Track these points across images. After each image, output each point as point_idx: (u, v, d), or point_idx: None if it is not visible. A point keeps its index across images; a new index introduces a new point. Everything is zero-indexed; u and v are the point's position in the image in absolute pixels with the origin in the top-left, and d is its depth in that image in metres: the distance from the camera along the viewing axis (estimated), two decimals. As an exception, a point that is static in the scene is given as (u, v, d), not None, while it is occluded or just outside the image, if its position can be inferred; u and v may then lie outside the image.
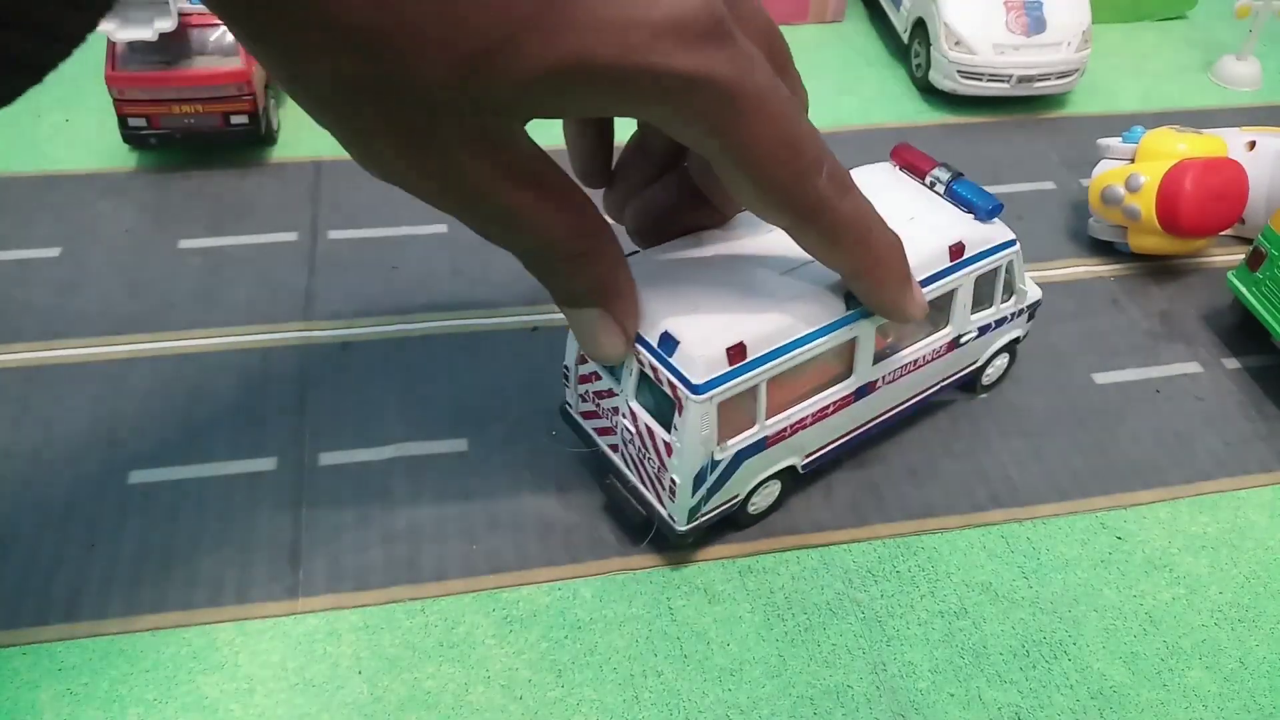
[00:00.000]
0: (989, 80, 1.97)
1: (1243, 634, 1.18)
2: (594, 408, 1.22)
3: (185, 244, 1.61)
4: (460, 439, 1.34)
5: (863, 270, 1.07)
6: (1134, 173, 1.58)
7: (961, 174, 1.31)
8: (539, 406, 1.39)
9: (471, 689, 1.09)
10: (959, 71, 1.96)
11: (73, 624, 1.13)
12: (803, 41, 2.20)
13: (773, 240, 1.14)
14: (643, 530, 1.19)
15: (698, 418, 1.07)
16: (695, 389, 1.05)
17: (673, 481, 1.12)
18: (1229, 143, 1.65)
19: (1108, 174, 1.63)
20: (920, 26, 2.05)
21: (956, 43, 1.95)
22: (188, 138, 1.73)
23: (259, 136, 1.77)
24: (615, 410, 1.18)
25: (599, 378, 1.19)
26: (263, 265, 1.58)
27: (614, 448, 1.21)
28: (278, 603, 1.16)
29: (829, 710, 1.09)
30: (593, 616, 1.16)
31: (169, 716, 1.06)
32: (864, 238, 1.03)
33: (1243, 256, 1.53)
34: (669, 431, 1.10)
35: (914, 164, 1.37)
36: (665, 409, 1.10)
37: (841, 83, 2.08)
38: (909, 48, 2.10)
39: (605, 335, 1.05)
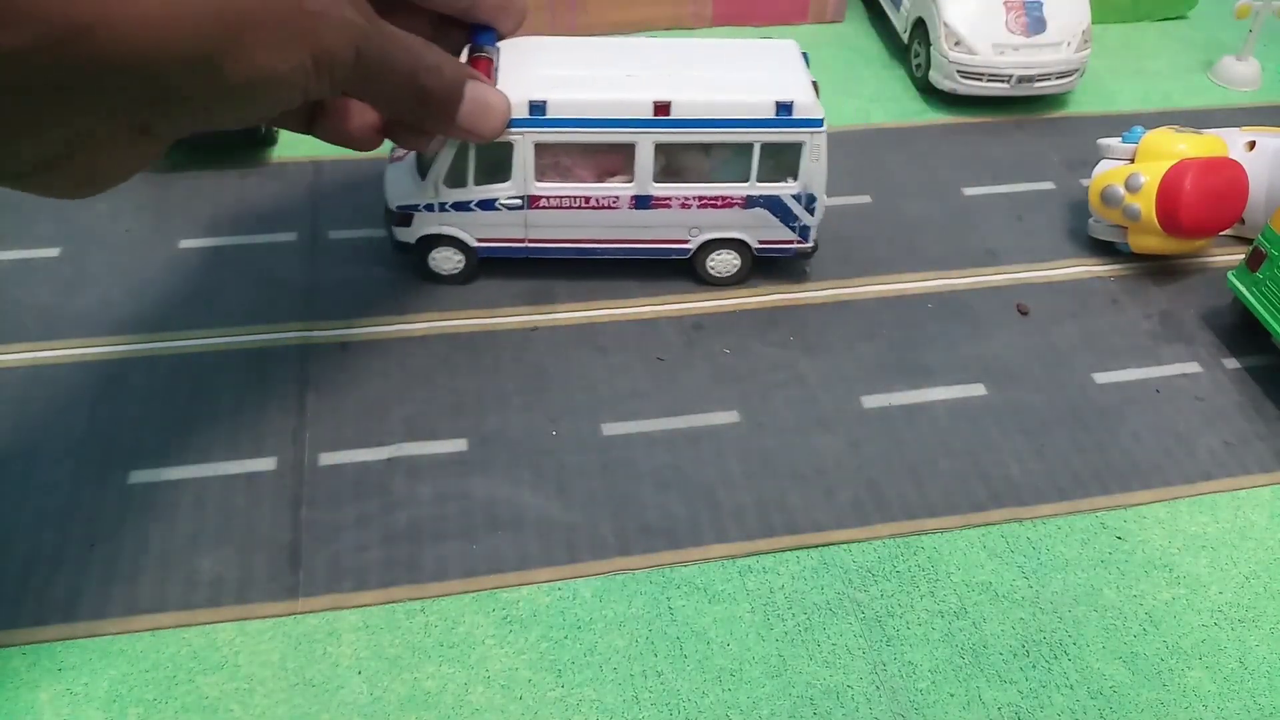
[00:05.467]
0: (989, 80, 1.97)
1: (1243, 634, 1.18)
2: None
3: (185, 244, 1.61)
4: (460, 439, 1.34)
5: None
6: (1134, 173, 1.58)
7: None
8: (539, 406, 1.39)
9: (471, 689, 1.09)
10: (959, 71, 1.96)
11: (73, 624, 1.13)
12: (803, 41, 2.19)
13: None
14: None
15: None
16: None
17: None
18: (1229, 143, 1.65)
19: (1108, 174, 1.63)
20: (920, 26, 2.05)
21: (956, 43, 1.95)
22: (188, 138, 1.72)
23: (259, 137, 1.77)
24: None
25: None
26: (263, 265, 1.58)
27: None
28: (278, 603, 1.16)
29: (829, 710, 1.09)
30: (593, 616, 1.16)
31: (169, 716, 1.06)
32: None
33: (1243, 256, 1.52)
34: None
35: None
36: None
37: (841, 83, 2.08)
38: (909, 48, 2.10)
39: (491, 95, 1.23)
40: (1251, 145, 1.68)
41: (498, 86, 1.31)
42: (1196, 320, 1.59)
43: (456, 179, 1.44)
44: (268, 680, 1.09)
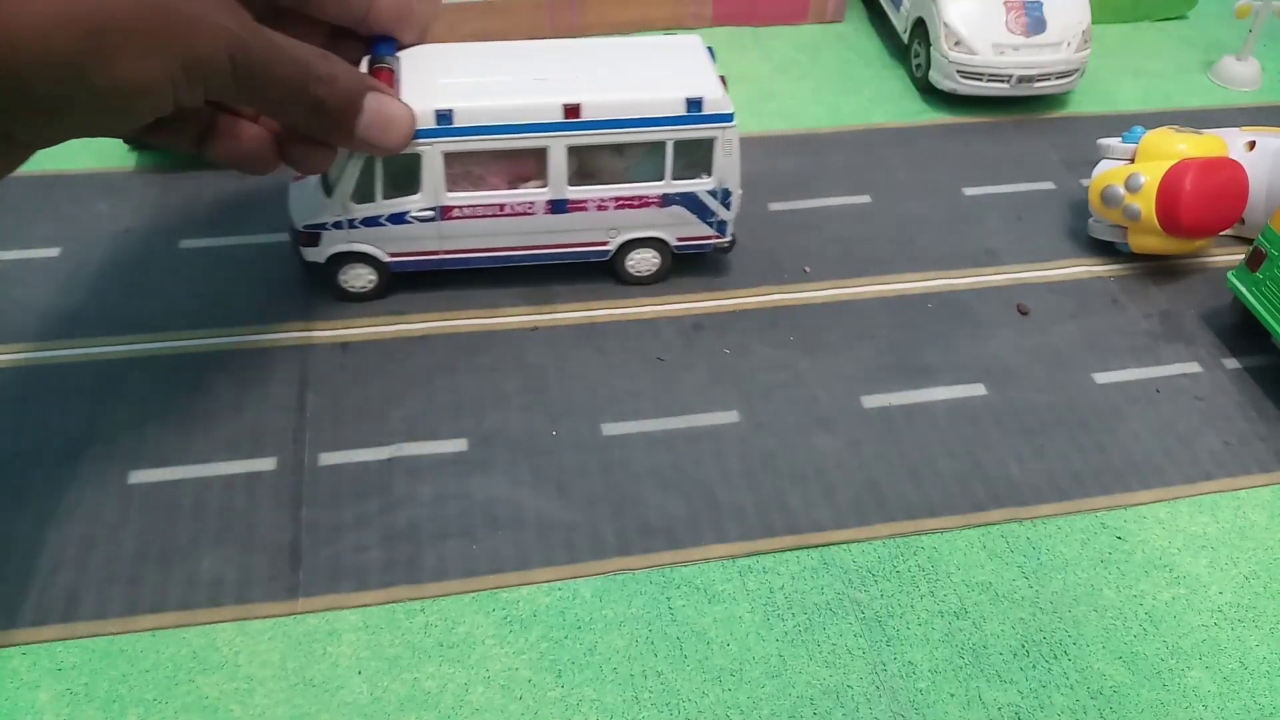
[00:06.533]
0: (989, 80, 1.97)
1: (1243, 634, 1.18)
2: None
3: (185, 244, 1.61)
4: (460, 439, 1.34)
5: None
6: (1134, 173, 1.58)
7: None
8: (539, 406, 1.39)
9: (471, 689, 1.09)
10: (959, 71, 1.96)
11: (73, 624, 1.13)
12: (803, 41, 2.20)
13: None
14: None
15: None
16: None
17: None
18: (1229, 143, 1.65)
19: (1108, 174, 1.63)
20: (920, 26, 2.05)
21: (956, 43, 1.95)
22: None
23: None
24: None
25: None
26: (263, 265, 1.58)
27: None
28: (278, 603, 1.16)
29: (829, 710, 1.09)
30: (593, 616, 1.16)
31: (169, 716, 1.06)
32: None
33: (1243, 256, 1.52)
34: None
35: None
36: None
37: (841, 83, 2.08)
38: (909, 48, 2.10)
39: (393, 106, 1.21)
40: (1251, 145, 1.68)
41: (401, 97, 1.29)
42: (1196, 320, 1.59)
43: (364, 194, 1.41)
44: (268, 680, 1.09)
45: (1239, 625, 1.19)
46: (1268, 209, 1.63)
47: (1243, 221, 1.68)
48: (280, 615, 1.15)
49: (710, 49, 1.50)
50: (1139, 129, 1.64)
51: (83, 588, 1.16)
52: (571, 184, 1.44)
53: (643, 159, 1.44)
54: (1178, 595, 1.22)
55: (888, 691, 1.11)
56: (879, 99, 2.05)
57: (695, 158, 1.45)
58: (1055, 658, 1.15)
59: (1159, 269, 1.68)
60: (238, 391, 1.38)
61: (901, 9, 2.13)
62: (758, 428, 1.38)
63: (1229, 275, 1.54)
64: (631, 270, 1.55)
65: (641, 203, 1.47)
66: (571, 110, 1.37)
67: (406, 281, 1.55)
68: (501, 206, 1.44)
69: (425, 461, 1.31)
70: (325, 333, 1.47)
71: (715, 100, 1.40)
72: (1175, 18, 2.39)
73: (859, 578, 1.21)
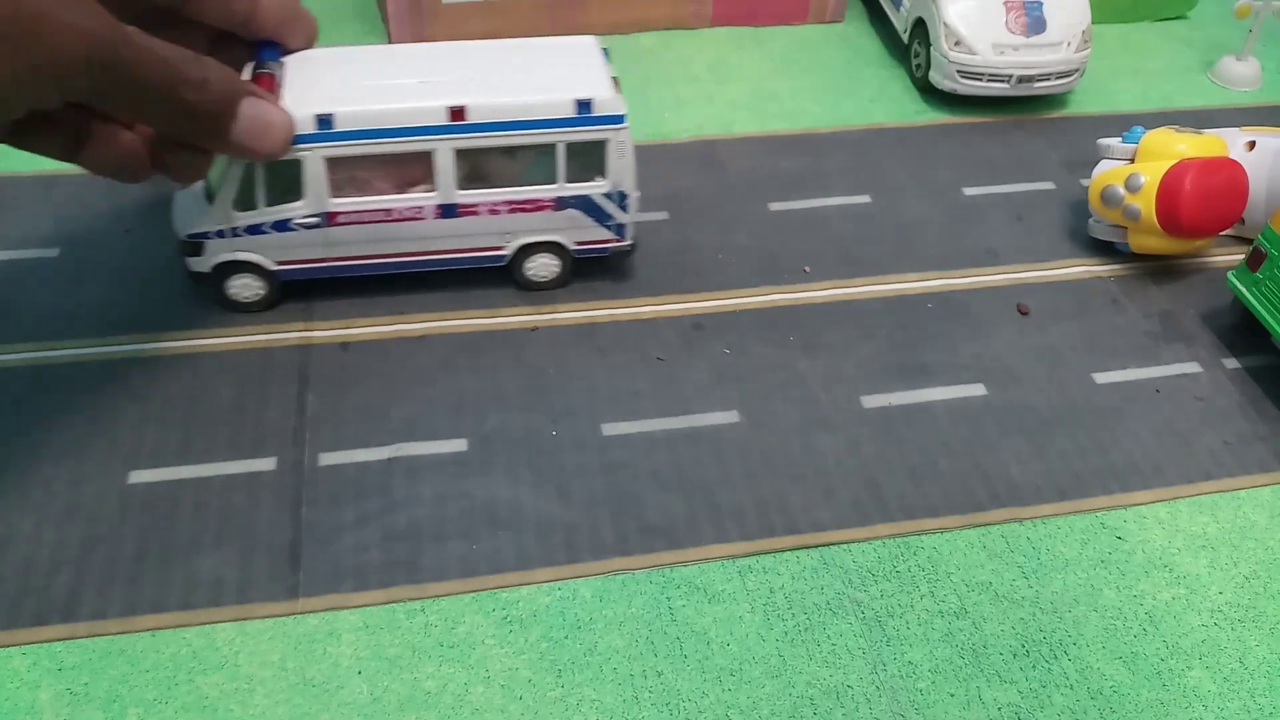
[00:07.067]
0: (989, 80, 1.97)
1: (1243, 634, 1.18)
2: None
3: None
4: (460, 439, 1.34)
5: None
6: (1134, 173, 1.58)
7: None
8: (539, 406, 1.39)
9: (471, 689, 1.09)
10: (959, 71, 1.96)
11: (73, 624, 1.13)
12: (803, 41, 2.20)
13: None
14: None
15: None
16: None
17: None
18: (1229, 143, 1.65)
19: (1108, 174, 1.63)
20: (920, 26, 2.05)
21: (956, 43, 1.95)
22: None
23: None
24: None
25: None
26: (263, 265, 1.58)
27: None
28: (278, 603, 1.16)
29: (829, 710, 1.09)
30: (593, 616, 1.16)
31: (169, 716, 1.06)
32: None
33: (1243, 256, 1.52)
34: None
35: None
36: None
37: (841, 83, 2.08)
38: (909, 48, 2.10)
39: (269, 111, 1.20)
40: (1251, 145, 1.68)
41: (285, 102, 1.28)
42: (1196, 320, 1.59)
43: (245, 201, 1.39)
44: (268, 680, 1.09)
45: (1239, 625, 1.19)
46: (1268, 209, 1.63)
47: (1243, 221, 1.68)
48: (280, 615, 1.15)
49: (605, 50, 1.48)
50: (1139, 129, 1.64)
51: (83, 588, 1.16)
52: (461, 188, 1.42)
53: (535, 162, 1.42)
54: (1178, 595, 1.22)
55: (888, 691, 1.11)
56: (879, 99, 2.05)
57: (588, 160, 1.43)
58: (1055, 658, 1.15)
59: (1159, 269, 1.68)
60: (238, 391, 1.38)
61: (901, 9, 2.13)
62: (758, 428, 1.38)
63: (1229, 275, 1.54)
64: (530, 276, 1.52)
65: (535, 206, 1.45)
66: (457, 113, 1.35)
67: (406, 282, 1.55)
68: (389, 211, 1.42)
69: (425, 461, 1.31)
70: (325, 333, 1.47)
71: (606, 102, 1.38)
72: (1175, 18, 2.39)
73: (859, 578, 1.21)
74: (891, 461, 1.35)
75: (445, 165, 1.39)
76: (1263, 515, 1.31)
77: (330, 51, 1.41)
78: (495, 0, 2.05)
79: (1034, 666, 1.14)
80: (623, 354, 1.47)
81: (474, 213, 1.44)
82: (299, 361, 1.43)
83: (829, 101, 2.02)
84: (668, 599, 1.18)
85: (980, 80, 1.97)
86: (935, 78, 2.00)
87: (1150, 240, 1.61)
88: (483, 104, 1.35)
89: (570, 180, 1.44)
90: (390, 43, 2.06)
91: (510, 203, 1.44)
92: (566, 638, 1.14)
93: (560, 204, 1.46)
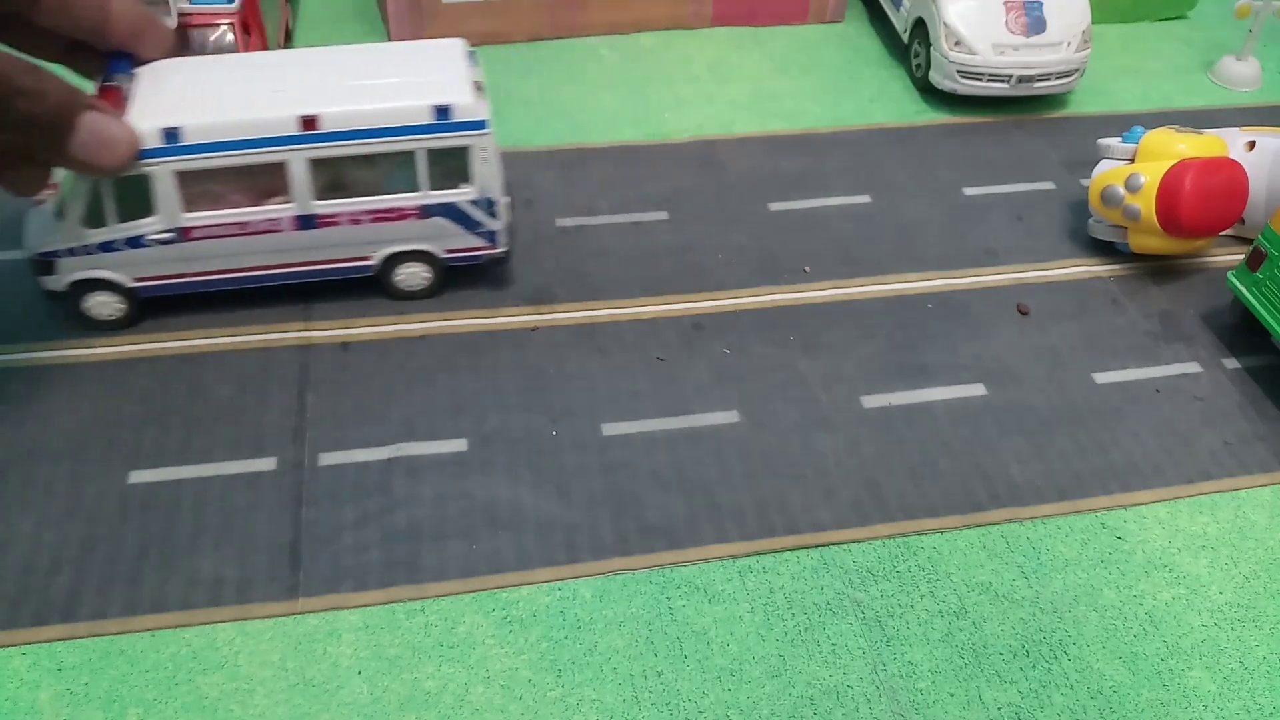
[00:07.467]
0: (989, 80, 1.97)
1: (1243, 634, 1.19)
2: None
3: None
4: (460, 439, 1.34)
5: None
6: (1134, 173, 1.58)
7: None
8: (539, 406, 1.39)
9: (471, 689, 1.09)
10: (959, 71, 1.96)
11: (73, 624, 1.13)
12: (803, 41, 2.20)
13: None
14: None
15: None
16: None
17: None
18: (1229, 143, 1.65)
19: (1108, 174, 1.63)
20: (920, 26, 2.05)
21: (956, 43, 1.95)
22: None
23: None
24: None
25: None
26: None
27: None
28: (278, 603, 1.16)
29: (829, 710, 1.09)
30: (593, 616, 1.16)
31: (169, 716, 1.06)
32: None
33: (1243, 256, 1.52)
34: None
35: None
36: None
37: (841, 83, 2.08)
38: (909, 48, 2.10)
39: (111, 125, 1.18)
40: (1251, 145, 1.68)
41: (131, 115, 1.25)
42: (1196, 320, 1.59)
43: (94, 218, 1.35)
44: (268, 680, 1.09)
45: (1239, 625, 1.19)
46: (1268, 209, 1.63)
47: (1243, 221, 1.68)
48: (280, 615, 1.15)
49: (473, 52, 1.45)
50: (1139, 129, 1.64)
51: (83, 588, 1.16)
52: (320, 198, 1.38)
53: (395, 170, 1.39)
54: (1178, 595, 1.22)
55: (888, 691, 1.11)
56: (879, 99, 2.05)
57: (451, 167, 1.40)
58: (1055, 658, 1.15)
59: (1159, 269, 1.68)
60: (238, 391, 1.38)
61: (901, 9, 2.13)
62: (758, 428, 1.38)
63: (1229, 275, 1.54)
64: (400, 285, 1.49)
65: (399, 215, 1.42)
66: (309, 122, 1.32)
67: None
68: (245, 225, 1.38)
69: (425, 461, 1.31)
70: (325, 333, 1.47)
71: (465, 107, 1.35)
72: (1175, 18, 2.39)
73: (859, 578, 1.21)
74: (891, 461, 1.35)
75: (300, 176, 1.35)
76: (1263, 515, 1.31)
77: (184, 61, 1.38)
78: (495, 0, 2.05)
79: (1034, 666, 1.14)
80: (623, 354, 1.47)
81: (335, 223, 1.41)
82: (299, 361, 1.43)
83: (829, 101, 2.02)
84: (668, 599, 1.18)
85: (980, 80, 1.97)
86: (935, 78, 2.00)
87: (1150, 240, 1.61)
88: (336, 112, 1.32)
89: (434, 188, 1.41)
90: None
91: (372, 212, 1.41)
92: (566, 638, 1.14)
93: (425, 212, 1.43)
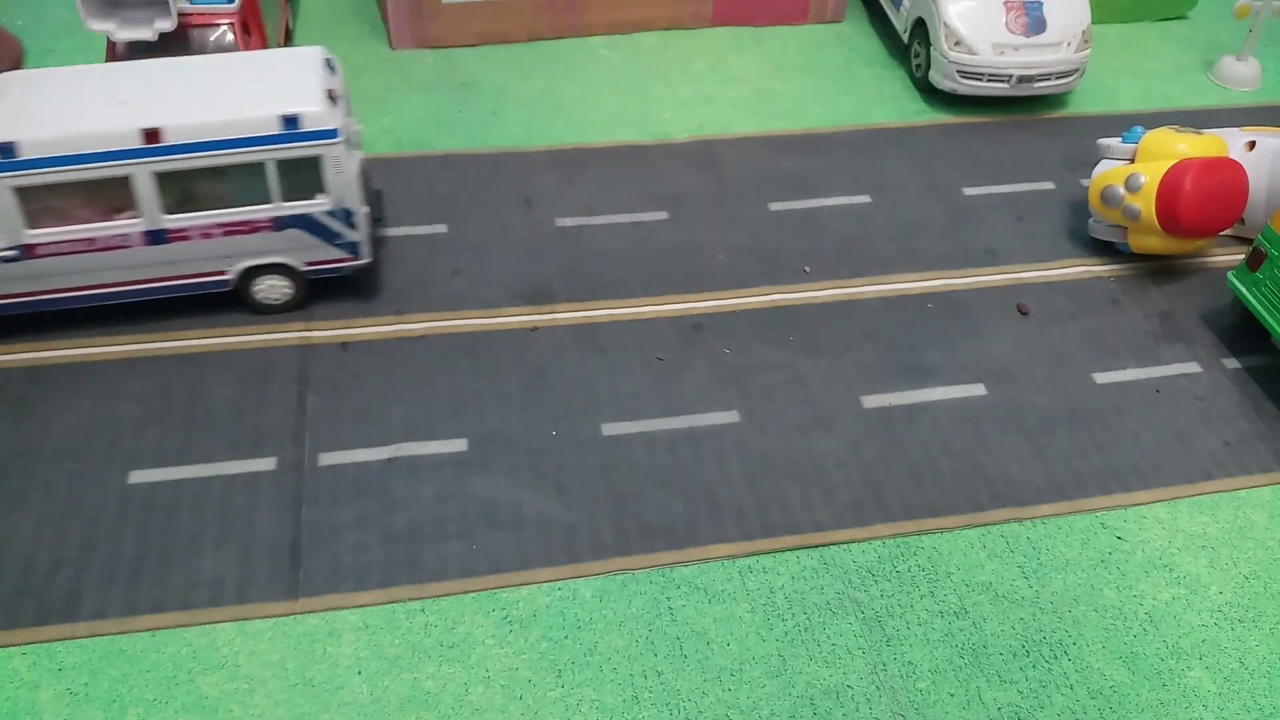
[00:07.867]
0: (989, 80, 1.97)
1: (1243, 634, 1.18)
2: None
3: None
4: (460, 439, 1.34)
5: None
6: (1134, 173, 1.58)
7: None
8: (539, 406, 1.39)
9: (471, 689, 1.09)
10: (959, 71, 1.96)
11: (73, 624, 1.13)
12: (803, 41, 2.20)
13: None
14: None
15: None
16: None
17: None
18: (1229, 143, 1.65)
19: (1108, 174, 1.62)
20: (920, 26, 2.05)
21: (956, 43, 1.95)
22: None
23: None
24: None
25: None
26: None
27: None
28: (278, 603, 1.16)
29: (829, 710, 1.09)
30: (593, 616, 1.16)
31: (169, 716, 1.06)
32: None
33: (1243, 256, 1.52)
34: None
35: None
36: None
37: (841, 83, 2.08)
38: (909, 48, 2.10)
39: None
40: (1251, 145, 1.68)
41: None
42: (1196, 320, 1.59)
43: None
44: (268, 680, 1.09)
45: (1239, 625, 1.19)
46: (1268, 209, 1.63)
47: (1243, 221, 1.68)
48: (280, 615, 1.15)
49: (330, 61, 1.43)
50: (1139, 129, 1.64)
51: (83, 588, 1.16)
52: (170, 212, 1.35)
53: (246, 182, 1.36)
54: (1178, 595, 1.22)
55: (888, 691, 1.11)
56: (879, 99, 2.05)
57: (304, 178, 1.37)
58: (1055, 658, 1.15)
59: (1159, 269, 1.68)
60: (238, 391, 1.38)
61: (901, 9, 2.13)
62: (758, 428, 1.38)
63: (1229, 275, 1.54)
64: (260, 299, 1.46)
65: (252, 228, 1.39)
66: (151, 135, 1.29)
67: (408, 281, 1.55)
68: (92, 241, 1.35)
69: (425, 461, 1.31)
70: (325, 333, 1.47)
71: (314, 116, 1.33)
72: (1175, 18, 2.39)
73: (859, 578, 1.21)
74: (891, 461, 1.35)
75: (146, 190, 1.33)
76: (1263, 515, 1.31)
77: (29, 74, 1.36)
78: (495, 0, 2.05)
79: (1034, 666, 1.14)
80: (623, 354, 1.47)
81: (185, 238, 1.37)
82: (299, 361, 1.43)
83: (829, 101, 2.02)
84: (668, 599, 1.18)
85: (980, 80, 1.97)
86: (935, 78, 2.00)
87: (1150, 240, 1.61)
88: (180, 124, 1.30)
89: (287, 199, 1.39)
90: (391, 44, 2.06)
91: (223, 225, 1.38)
92: (566, 638, 1.14)
93: (279, 224, 1.40)
